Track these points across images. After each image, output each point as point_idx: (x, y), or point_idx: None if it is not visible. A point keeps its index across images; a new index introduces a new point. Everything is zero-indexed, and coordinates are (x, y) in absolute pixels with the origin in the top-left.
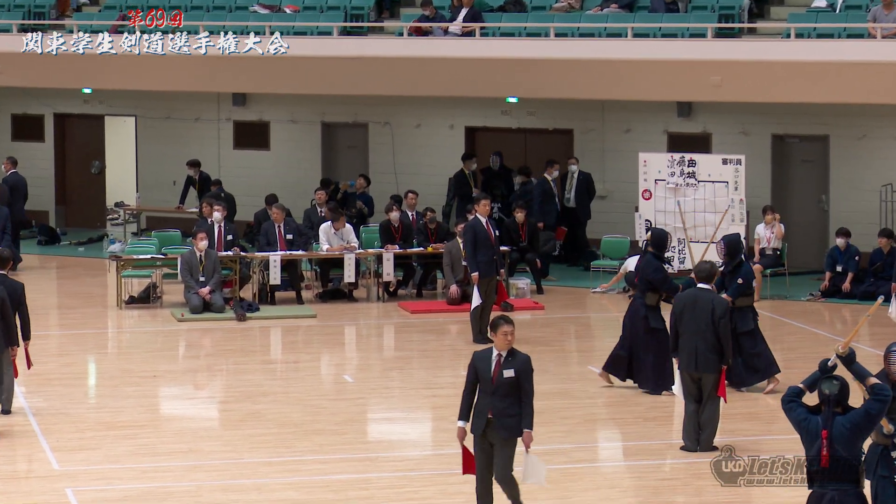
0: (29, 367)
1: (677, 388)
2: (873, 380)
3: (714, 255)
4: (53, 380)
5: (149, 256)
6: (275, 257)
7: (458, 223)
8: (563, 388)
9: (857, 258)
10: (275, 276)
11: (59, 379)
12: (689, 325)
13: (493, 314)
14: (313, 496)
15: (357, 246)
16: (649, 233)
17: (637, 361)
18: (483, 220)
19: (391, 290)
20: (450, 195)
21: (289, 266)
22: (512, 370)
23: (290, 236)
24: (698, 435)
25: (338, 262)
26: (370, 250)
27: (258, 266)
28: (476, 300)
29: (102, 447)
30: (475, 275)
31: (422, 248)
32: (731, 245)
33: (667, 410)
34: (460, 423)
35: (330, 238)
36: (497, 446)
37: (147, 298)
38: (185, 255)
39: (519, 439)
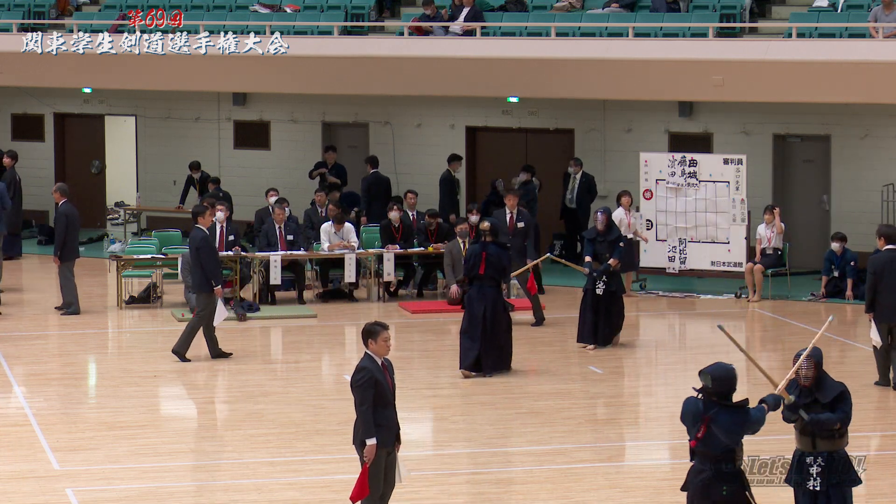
0: None
1: (874, 333)
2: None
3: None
4: (53, 380)
5: (149, 256)
6: (275, 257)
7: (458, 224)
8: (564, 388)
9: (853, 263)
10: (275, 277)
11: (59, 379)
12: (890, 282)
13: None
14: (314, 496)
15: (357, 245)
16: (486, 223)
17: (489, 349)
18: (207, 231)
19: (392, 290)
20: (442, 197)
21: (294, 266)
22: (394, 375)
23: (290, 237)
24: (888, 372)
25: (338, 262)
26: (371, 250)
27: (259, 266)
28: (222, 313)
29: (102, 447)
30: (218, 288)
31: (422, 249)
32: (611, 218)
33: (668, 410)
34: (374, 441)
35: (331, 237)
36: (392, 454)
37: (147, 298)
38: (186, 255)
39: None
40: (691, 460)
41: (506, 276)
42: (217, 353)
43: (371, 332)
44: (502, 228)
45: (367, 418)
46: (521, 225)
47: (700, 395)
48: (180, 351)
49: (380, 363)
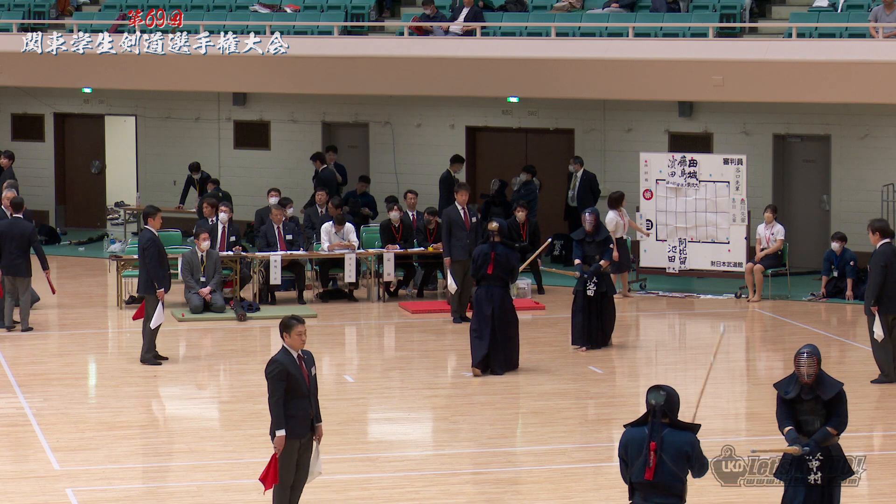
0: (53, 292)
1: (878, 327)
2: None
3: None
4: (53, 380)
5: None
6: (275, 257)
7: None
8: (564, 388)
9: (852, 263)
10: (275, 277)
11: (59, 379)
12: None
13: (287, 313)
14: (314, 496)
15: (357, 245)
16: (494, 223)
17: (498, 348)
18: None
19: (392, 290)
20: (442, 197)
21: (294, 266)
22: (313, 368)
23: (289, 236)
24: (891, 366)
25: (338, 262)
26: (371, 250)
27: (259, 266)
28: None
29: (102, 447)
30: (160, 291)
31: (422, 249)
32: (599, 219)
33: None
34: (283, 432)
35: (331, 237)
36: (306, 446)
37: None
38: (187, 254)
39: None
40: (630, 499)
41: (513, 276)
42: (149, 359)
43: (286, 326)
44: (459, 223)
45: (277, 409)
46: (474, 220)
47: (649, 419)
48: (148, 357)
49: (295, 356)
